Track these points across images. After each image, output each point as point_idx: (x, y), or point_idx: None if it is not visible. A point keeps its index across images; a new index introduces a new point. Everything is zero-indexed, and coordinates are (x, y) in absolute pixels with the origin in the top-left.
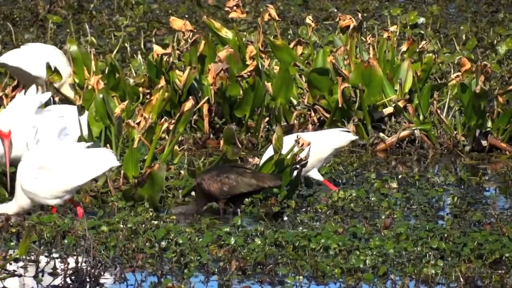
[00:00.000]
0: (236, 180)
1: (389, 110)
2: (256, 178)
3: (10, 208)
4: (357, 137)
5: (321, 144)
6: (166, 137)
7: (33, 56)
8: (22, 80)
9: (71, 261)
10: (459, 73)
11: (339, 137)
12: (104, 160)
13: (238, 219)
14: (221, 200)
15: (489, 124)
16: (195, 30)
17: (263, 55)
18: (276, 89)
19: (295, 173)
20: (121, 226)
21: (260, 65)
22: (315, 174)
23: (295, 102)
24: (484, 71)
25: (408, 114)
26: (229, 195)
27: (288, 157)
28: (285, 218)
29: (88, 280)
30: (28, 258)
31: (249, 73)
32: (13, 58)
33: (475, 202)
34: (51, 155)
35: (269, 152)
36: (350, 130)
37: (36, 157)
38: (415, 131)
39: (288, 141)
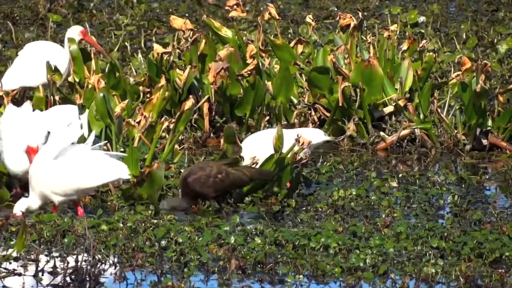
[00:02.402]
0: (228, 176)
1: (389, 109)
2: (248, 172)
3: (32, 201)
4: (331, 138)
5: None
6: (167, 136)
7: (29, 69)
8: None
9: (71, 260)
10: (459, 72)
11: (312, 136)
12: (116, 170)
13: (237, 217)
14: (212, 198)
15: (490, 123)
16: (196, 29)
17: (263, 54)
18: (276, 88)
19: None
20: (121, 225)
21: (260, 64)
22: None
23: (295, 101)
24: (485, 70)
25: (409, 113)
26: (222, 192)
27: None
28: (285, 217)
29: (88, 279)
30: (28, 257)
31: (249, 72)
32: (13, 80)
33: (475, 201)
34: (70, 152)
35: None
36: (323, 131)
37: (55, 152)
38: (416, 130)
39: (259, 137)
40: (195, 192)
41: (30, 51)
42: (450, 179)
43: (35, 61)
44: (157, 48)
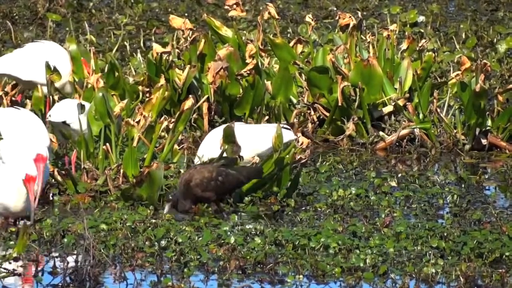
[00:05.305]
0: (227, 178)
1: (389, 108)
2: (240, 173)
3: None
4: (296, 137)
5: (259, 140)
6: (166, 135)
7: (23, 61)
8: (19, 82)
9: (71, 260)
10: (459, 72)
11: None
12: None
13: (235, 216)
14: (214, 201)
15: (489, 122)
16: (195, 29)
17: (262, 54)
18: (275, 88)
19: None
20: (120, 225)
21: (259, 64)
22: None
23: (294, 100)
24: (484, 69)
25: (408, 113)
26: (223, 194)
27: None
28: (285, 217)
29: (87, 279)
30: (27, 257)
31: (248, 72)
32: (2, 65)
33: (475, 201)
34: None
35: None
36: (290, 128)
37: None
38: (415, 129)
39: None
40: (196, 196)
41: (35, 48)
42: (449, 179)
43: (33, 57)
44: (157, 48)
